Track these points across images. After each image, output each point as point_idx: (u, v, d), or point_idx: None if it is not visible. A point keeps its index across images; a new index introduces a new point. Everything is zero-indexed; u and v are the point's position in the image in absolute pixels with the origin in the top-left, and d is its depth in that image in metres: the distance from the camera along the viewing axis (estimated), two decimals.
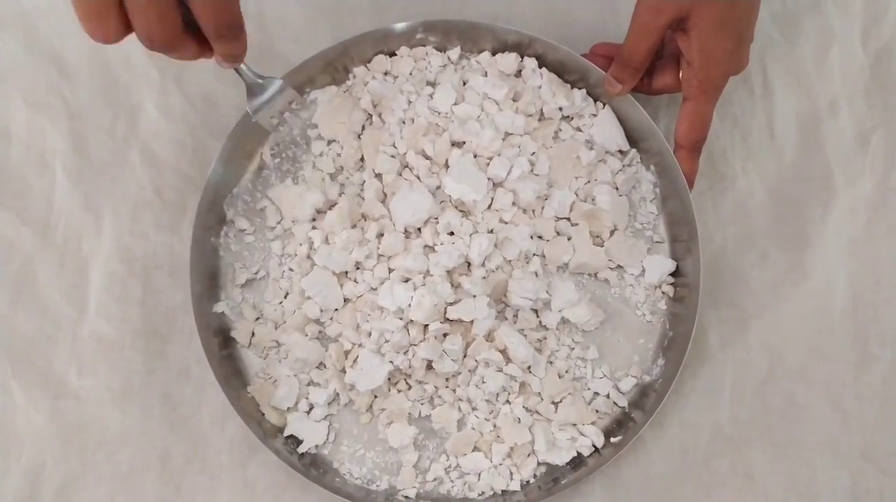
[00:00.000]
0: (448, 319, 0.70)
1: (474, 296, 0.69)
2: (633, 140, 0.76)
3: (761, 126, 0.79)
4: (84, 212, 0.75)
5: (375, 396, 0.72)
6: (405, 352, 0.70)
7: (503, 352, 0.71)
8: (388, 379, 0.70)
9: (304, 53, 0.73)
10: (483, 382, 0.71)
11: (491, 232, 0.71)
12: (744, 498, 0.72)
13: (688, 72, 0.69)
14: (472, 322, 0.70)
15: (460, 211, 0.72)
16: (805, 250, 0.76)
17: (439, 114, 0.75)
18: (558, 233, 0.74)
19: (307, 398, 0.72)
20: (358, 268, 0.72)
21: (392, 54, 0.76)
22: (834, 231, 0.77)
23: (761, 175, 0.78)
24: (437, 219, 0.71)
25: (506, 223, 0.72)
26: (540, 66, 0.76)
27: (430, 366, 0.70)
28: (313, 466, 0.71)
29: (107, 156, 0.76)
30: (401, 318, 0.69)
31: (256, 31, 0.77)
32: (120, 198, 0.75)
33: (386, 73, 0.76)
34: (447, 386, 0.72)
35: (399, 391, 0.71)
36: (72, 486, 0.71)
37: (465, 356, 0.70)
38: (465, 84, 0.76)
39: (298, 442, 0.71)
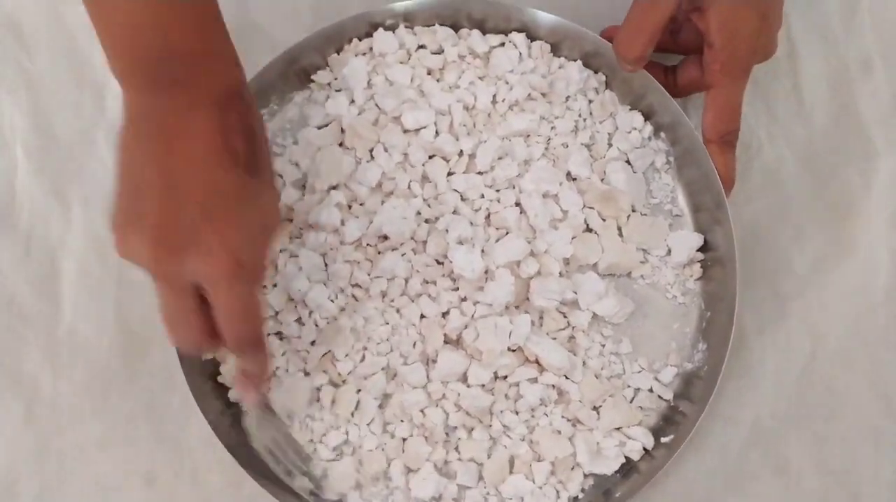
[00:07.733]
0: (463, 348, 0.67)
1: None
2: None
3: (787, 89, 0.75)
4: (49, 198, 0.71)
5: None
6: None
7: (535, 362, 0.67)
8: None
9: (284, 26, 0.72)
10: (519, 398, 0.66)
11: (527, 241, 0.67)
12: (780, 494, 0.70)
13: (709, 54, 0.64)
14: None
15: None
16: (847, 223, 0.73)
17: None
18: (588, 227, 0.70)
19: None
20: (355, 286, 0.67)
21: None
22: (877, 200, 0.74)
23: (790, 143, 0.74)
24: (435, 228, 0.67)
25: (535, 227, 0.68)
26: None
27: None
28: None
29: (73, 134, 0.72)
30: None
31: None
32: (89, 181, 0.71)
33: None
34: (481, 424, 0.66)
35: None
36: None
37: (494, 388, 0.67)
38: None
39: None
